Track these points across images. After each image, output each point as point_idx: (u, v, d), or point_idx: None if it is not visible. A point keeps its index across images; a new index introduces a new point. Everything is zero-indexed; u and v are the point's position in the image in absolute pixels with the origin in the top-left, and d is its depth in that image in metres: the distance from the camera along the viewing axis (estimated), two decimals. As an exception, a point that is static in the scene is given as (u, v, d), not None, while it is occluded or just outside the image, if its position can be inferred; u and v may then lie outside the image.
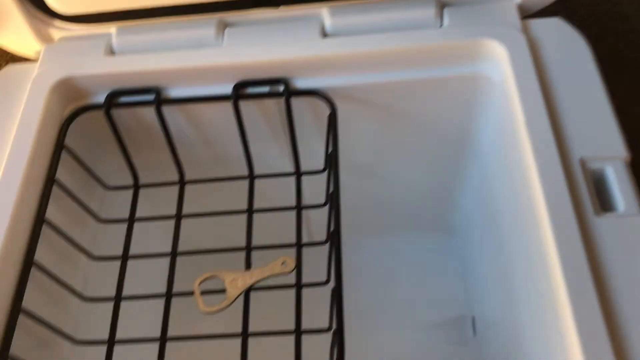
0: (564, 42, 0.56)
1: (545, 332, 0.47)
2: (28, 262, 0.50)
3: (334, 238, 0.50)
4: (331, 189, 0.53)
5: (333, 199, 0.51)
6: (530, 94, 0.52)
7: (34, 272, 0.50)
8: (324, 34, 0.57)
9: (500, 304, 0.64)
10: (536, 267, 0.48)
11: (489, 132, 0.61)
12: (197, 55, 0.56)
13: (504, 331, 0.63)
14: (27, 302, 0.49)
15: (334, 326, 0.46)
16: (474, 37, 0.55)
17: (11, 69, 0.59)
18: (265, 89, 0.57)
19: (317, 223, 0.79)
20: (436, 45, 0.55)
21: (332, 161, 0.53)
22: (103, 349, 0.54)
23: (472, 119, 0.62)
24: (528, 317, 0.53)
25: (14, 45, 0.61)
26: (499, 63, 0.55)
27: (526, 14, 0.58)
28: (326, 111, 0.57)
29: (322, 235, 0.60)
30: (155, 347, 0.53)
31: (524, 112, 0.51)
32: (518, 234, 0.54)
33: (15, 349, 0.47)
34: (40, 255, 0.51)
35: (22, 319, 0.48)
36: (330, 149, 0.55)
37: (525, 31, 0.56)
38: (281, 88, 0.56)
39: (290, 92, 0.56)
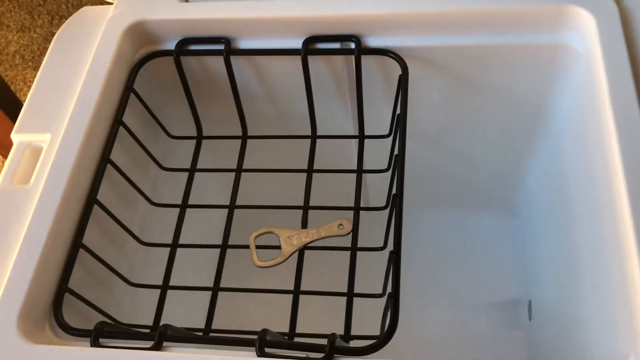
0: (660, 14, 0.52)
1: (613, 323, 0.45)
2: (91, 199, 0.50)
3: (395, 201, 0.48)
4: (396, 152, 0.51)
5: (397, 162, 0.50)
6: (617, 68, 0.48)
7: (95, 211, 0.51)
8: (402, -9, 0.55)
9: (562, 290, 0.61)
10: (609, 255, 0.45)
11: (566, 107, 0.58)
12: (270, 6, 0.55)
13: (562, 319, 0.60)
14: (88, 241, 0.50)
15: (389, 290, 0.45)
16: (560, 3, 0.52)
17: (88, 10, 0.60)
18: (335, 45, 0.55)
19: (374, 190, 0.77)
20: (519, 8, 0.52)
21: (399, 123, 0.52)
22: (156, 293, 0.54)
23: (550, 91, 0.59)
24: (593, 306, 0.50)
25: (91, -12, 0.61)
26: (585, 33, 0.52)
27: (620, -18, 0.54)
28: (396, 73, 0.55)
29: (378, 203, 0.59)
30: (206, 296, 0.54)
31: (609, 87, 0.47)
32: (590, 218, 0.51)
33: (73, 284, 0.48)
34: (102, 196, 0.52)
35: (82, 256, 0.49)
36: (398, 112, 0.54)
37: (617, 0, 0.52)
38: (352, 45, 0.55)
39: (361, 50, 0.54)
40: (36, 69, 1.20)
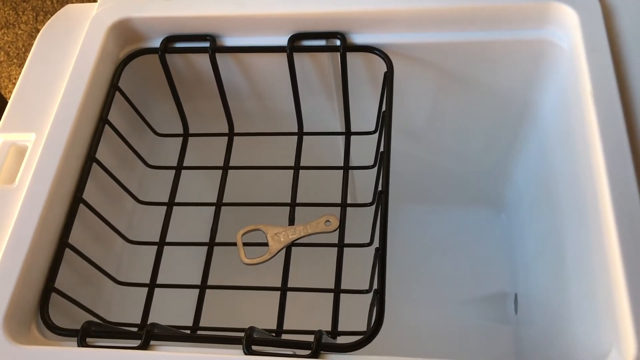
0: (642, 10, 0.52)
1: (596, 318, 0.45)
2: (76, 198, 0.50)
3: (381, 198, 0.49)
4: (382, 149, 0.51)
5: (383, 159, 0.50)
6: (600, 63, 0.49)
7: (81, 210, 0.51)
8: (387, -12, 0.55)
9: (547, 284, 0.62)
10: (592, 249, 0.46)
11: (551, 103, 0.58)
12: (255, 3, 0.55)
13: (548, 312, 0.61)
14: (74, 240, 0.49)
15: (375, 286, 0.45)
16: (543, 0, 0.52)
17: (71, 8, 0.59)
18: (321, 42, 0.55)
19: (361, 186, 0.78)
20: (503, 5, 0.52)
21: (385, 120, 0.52)
22: (143, 291, 0.54)
23: (535, 87, 0.59)
24: (577, 301, 0.51)
25: (74, -15, 0.61)
26: (568, 29, 0.52)
27: (602, -22, 0.55)
28: (381, 70, 0.55)
29: (365, 199, 0.59)
30: (194, 294, 0.54)
31: (591, 82, 0.48)
32: (575, 212, 0.52)
33: (60, 284, 0.47)
34: (88, 194, 0.51)
35: (68, 255, 0.49)
36: (383, 108, 0.54)
37: (600, -4, 0.52)
38: (338, 42, 0.55)
39: (347, 47, 0.55)
40: (21, 65, 1.19)
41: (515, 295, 0.74)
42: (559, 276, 0.57)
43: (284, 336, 0.50)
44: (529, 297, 0.69)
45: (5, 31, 1.22)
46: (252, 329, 0.42)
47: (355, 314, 0.53)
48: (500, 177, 0.75)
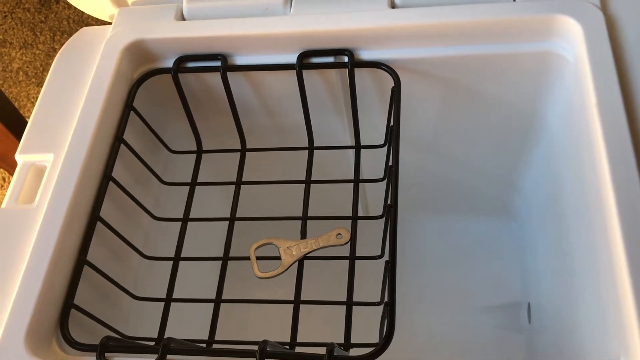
0: (646, 21, 0.53)
1: (605, 326, 0.46)
2: (94, 216, 0.52)
3: (390, 212, 0.50)
4: (390, 163, 0.52)
5: (392, 173, 0.51)
6: (604, 75, 0.49)
7: (98, 228, 0.52)
8: (393, 5, 0.56)
9: (558, 293, 0.62)
10: (600, 259, 0.46)
11: (557, 114, 0.59)
12: (264, 23, 0.56)
13: (560, 321, 0.61)
14: (92, 257, 0.51)
15: (386, 299, 0.46)
16: (548, 13, 0.53)
17: (86, 30, 0.61)
18: (329, 59, 0.57)
19: (373, 198, 0.78)
20: (508, 19, 0.53)
21: (393, 135, 0.53)
22: (160, 305, 0.56)
23: (541, 98, 0.60)
24: (587, 309, 0.51)
25: (90, 9, 0.63)
26: (573, 41, 0.53)
27: (606, -10, 0.55)
28: (389, 84, 0.56)
29: (377, 211, 0.60)
30: (209, 308, 0.55)
31: (596, 94, 0.48)
32: (582, 222, 0.52)
33: (79, 300, 0.49)
34: (105, 212, 0.53)
35: (86, 272, 0.50)
36: (391, 123, 0.55)
37: (604, 8, 0.53)
38: (345, 59, 0.56)
39: (355, 63, 0.56)
40: (39, 84, 1.21)
41: (529, 304, 0.74)
42: (568, 284, 0.57)
43: (297, 349, 0.50)
44: (541, 306, 0.70)
45: (24, 51, 1.25)
46: (265, 342, 0.43)
47: (368, 325, 0.54)
48: (509, 187, 0.76)
